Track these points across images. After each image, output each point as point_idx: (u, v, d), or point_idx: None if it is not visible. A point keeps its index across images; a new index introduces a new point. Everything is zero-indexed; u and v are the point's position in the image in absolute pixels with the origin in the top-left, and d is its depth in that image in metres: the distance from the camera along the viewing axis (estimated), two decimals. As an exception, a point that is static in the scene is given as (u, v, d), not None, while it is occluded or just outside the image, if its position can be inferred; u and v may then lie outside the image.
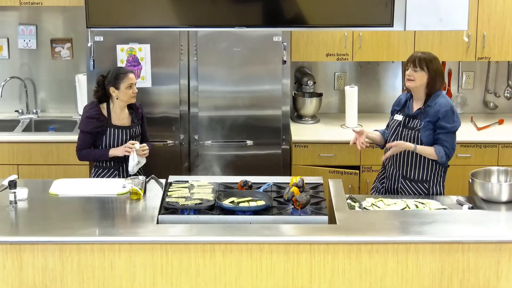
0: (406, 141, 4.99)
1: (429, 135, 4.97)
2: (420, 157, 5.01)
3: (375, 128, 5.40)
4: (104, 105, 5.38)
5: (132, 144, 5.25)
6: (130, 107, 5.43)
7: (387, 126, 5.26)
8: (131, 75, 5.33)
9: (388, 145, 5.01)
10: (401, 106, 5.13)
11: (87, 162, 5.90)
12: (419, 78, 4.96)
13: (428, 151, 4.96)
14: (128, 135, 5.37)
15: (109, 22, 5.03)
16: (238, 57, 5.92)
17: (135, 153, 5.24)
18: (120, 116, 5.38)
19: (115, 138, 5.34)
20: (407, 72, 4.99)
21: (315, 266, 4.28)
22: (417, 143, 4.97)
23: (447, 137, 4.95)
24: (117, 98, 5.34)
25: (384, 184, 5.20)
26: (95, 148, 5.37)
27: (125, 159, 5.32)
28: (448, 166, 5.09)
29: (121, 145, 5.34)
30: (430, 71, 4.95)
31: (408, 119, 5.05)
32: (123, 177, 5.33)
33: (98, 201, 4.79)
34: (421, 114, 4.99)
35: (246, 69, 5.95)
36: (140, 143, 5.39)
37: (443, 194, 5.09)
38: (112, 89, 5.31)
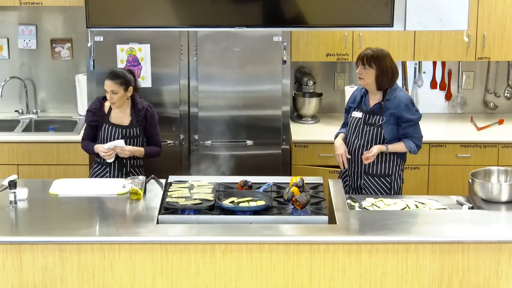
0: (369, 137, 5.08)
1: (392, 129, 5.07)
2: (381, 152, 5.08)
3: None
4: None
5: (105, 150, 5.28)
6: (134, 107, 5.42)
7: (344, 124, 5.32)
8: (107, 82, 5.24)
9: (365, 158, 5.03)
10: (357, 103, 5.19)
11: (87, 162, 5.93)
12: (368, 76, 5.05)
13: (399, 148, 5.07)
14: (121, 134, 5.36)
15: (109, 22, 5.03)
16: (238, 57, 5.92)
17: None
18: (119, 114, 5.38)
19: (108, 135, 5.36)
20: (357, 71, 5.09)
21: (315, 266, 4.28)
22: (380, 139, 5.06)
23: (415, 128, 5.07)
24: None
25: (348, 182, 5.25)
26: (95, 141, 5.41)
27: (123, 158, 5.34)
28: (405, 159, 5.21)
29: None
30: (378, 68, 5.03)
31: (368, 116, 5.11)
32: (122, 176, 5.33)
33: (98, 201, 4.79)
34: (381, 109, 5.06)
35: (246, 69, 5.95)
36: (147, 145, 5.42)
37: (401, 187, 5.17)
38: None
